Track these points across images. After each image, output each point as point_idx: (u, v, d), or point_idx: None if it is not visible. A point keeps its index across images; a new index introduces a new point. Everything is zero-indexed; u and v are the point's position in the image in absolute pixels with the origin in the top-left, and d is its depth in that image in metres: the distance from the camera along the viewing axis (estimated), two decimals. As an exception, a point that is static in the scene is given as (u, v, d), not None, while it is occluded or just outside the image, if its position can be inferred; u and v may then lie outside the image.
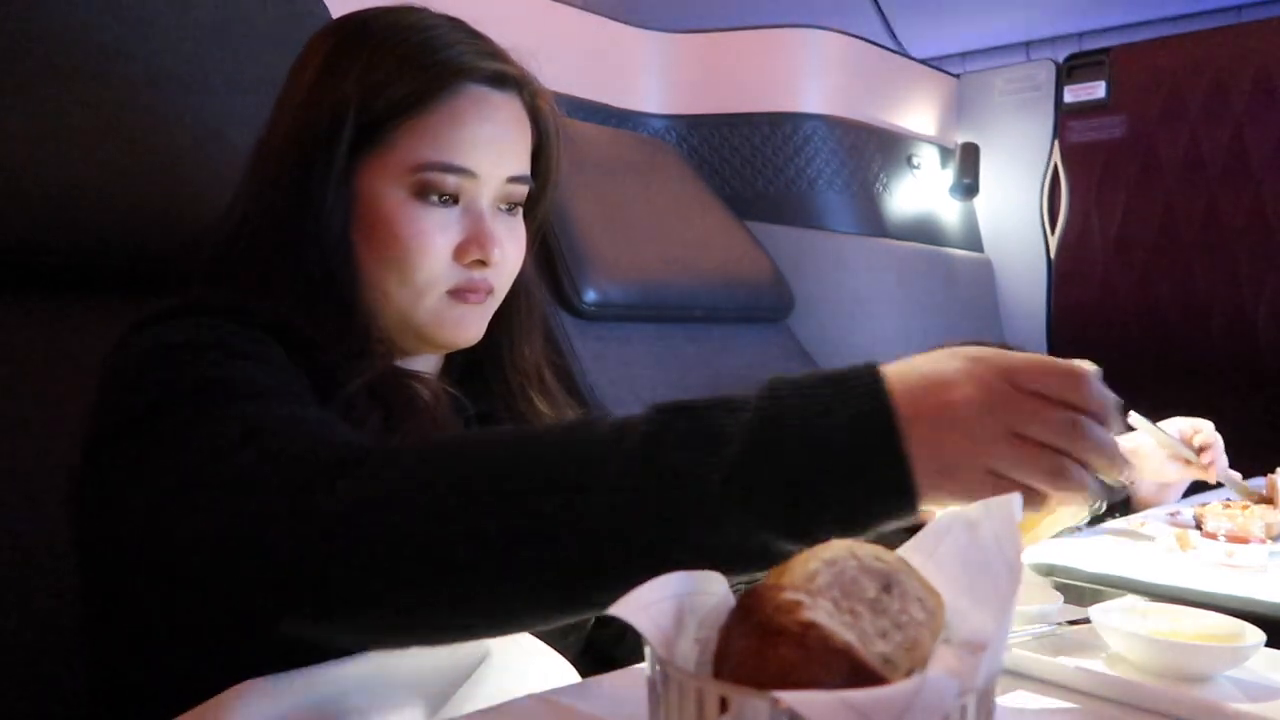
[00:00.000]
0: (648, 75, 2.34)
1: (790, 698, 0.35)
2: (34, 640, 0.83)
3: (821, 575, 0.42)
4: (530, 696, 0.64)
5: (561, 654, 0.78)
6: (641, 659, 0.44)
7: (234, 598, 0.58)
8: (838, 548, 0.45)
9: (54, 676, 0.83)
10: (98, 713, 0.75)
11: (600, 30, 2.21)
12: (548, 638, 0.77)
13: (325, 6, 1.16)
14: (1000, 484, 0.49)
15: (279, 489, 0.56)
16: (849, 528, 0.50)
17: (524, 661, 0.72)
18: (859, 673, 0.39)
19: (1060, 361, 0.52)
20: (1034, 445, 0.50)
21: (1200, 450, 1.32)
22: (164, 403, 0.62)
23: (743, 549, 0.50)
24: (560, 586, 0.53)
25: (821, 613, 0.40)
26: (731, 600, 0.46)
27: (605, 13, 2.22)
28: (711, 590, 0.46)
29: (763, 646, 0.40)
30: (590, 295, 1.76)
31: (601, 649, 0.89)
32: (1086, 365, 0.53)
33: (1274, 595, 0.83)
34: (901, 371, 0.51)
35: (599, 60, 2.20)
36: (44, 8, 0.92)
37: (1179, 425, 1.35)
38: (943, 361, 0.52)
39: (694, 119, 2.38)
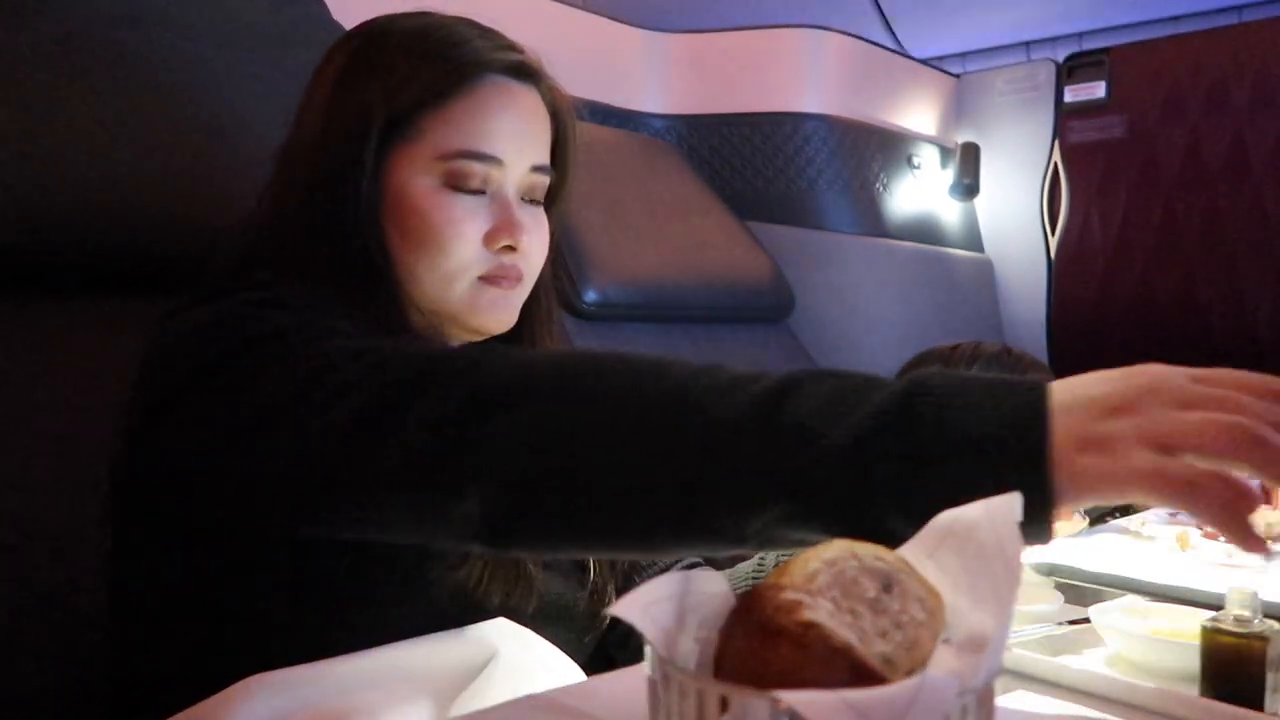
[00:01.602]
0: (648, 75, 2.34)
1: (790, 697, 0.35)
2: (39, 636, 0.83)
3: (822, 575, 0.42)
4: (530, 696, 0.64)
5: (576, 655, 0.79)
6: (641, 662, 0.44)
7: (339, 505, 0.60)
8: (838, 547, 0.45)
9: (64, 669, 0.83)
10: (114, 704, 0.75)
11: (600, 30, 2.21)
12: (564, 639, 0.77)
13: (326, 8, 1.16)
14: (1165, 466, 0.45)
15: (400, 399, 0.58)
16: None
17: (533, 663, 0.73)
18: (859, 672, 0.39)
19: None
20: (1211, 416, 0.45)
21: None
22: (237, 350, 0.65)
23: (853, 517, 0.48)
24: (666, 523, 0.53)
25: (822, 612, 0.40)
26: (732, 600, 0.46)
27: (605, 13, 2.22)
28: (712, 590, 0.46)
29: (763, 646, 0.40)
30: (590, 295, 1.76)
31: (603, 650, 0.89)
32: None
33: (1274, 595, 0.83)
34: (1064, 385, 0.49)
35: (599, 60, 2.20)
36: (51, 11, 0.92)
37: None
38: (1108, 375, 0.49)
39: (694, 119, 2.38)
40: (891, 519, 0.48)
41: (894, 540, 0.46)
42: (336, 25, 1.15)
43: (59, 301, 0.93)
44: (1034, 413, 0.47)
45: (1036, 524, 0.46)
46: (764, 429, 0.50)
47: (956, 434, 0.47)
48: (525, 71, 0.82)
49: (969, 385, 0.49)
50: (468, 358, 0.60)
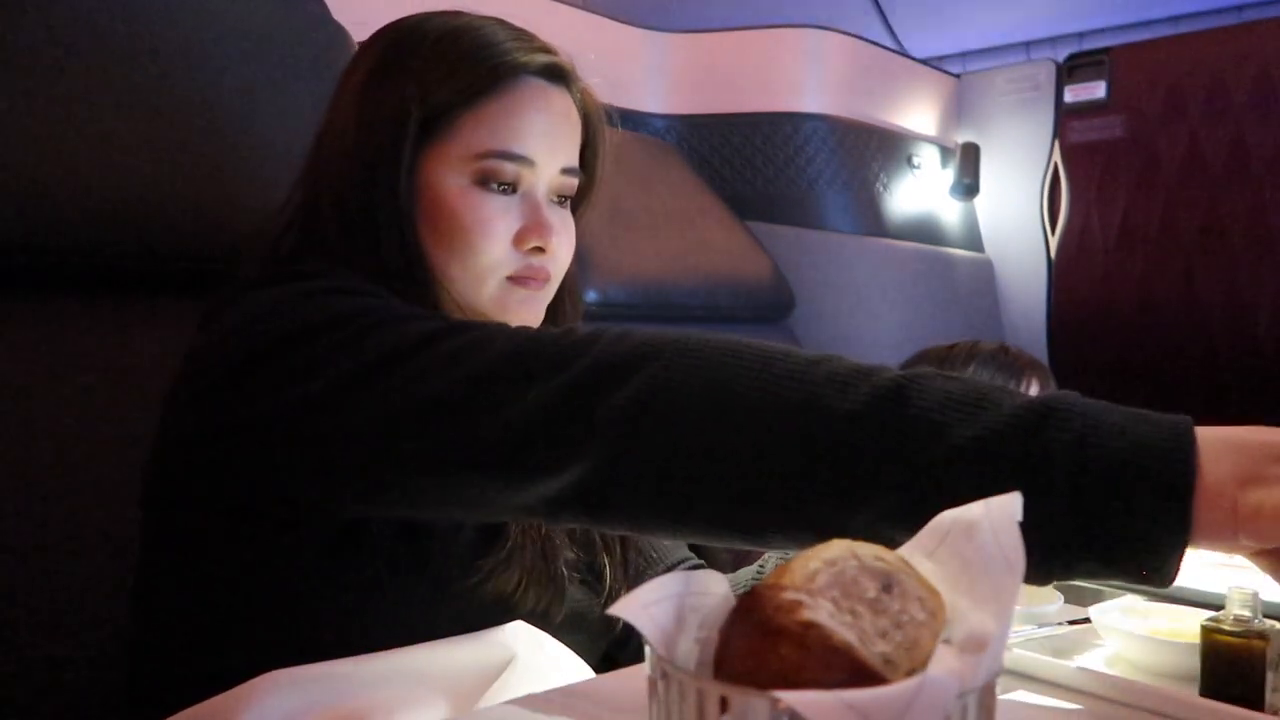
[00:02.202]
0: (648, 75, 2.34)
1: (791, 698, 0.35)
2: (40, 637, 0.83)
3: (822, 575, 0.42)
4: (530, 696, 0.64)
5: (590, 657, 0.79)
6: (641, 662, 0.44)
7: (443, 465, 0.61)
8: (838, 548, 0.45)
9: (72, 670, 0.83)
10: (130, 700, 0.75)
11: (600, 30, 2.21)
12: (579, 645, 0.77)
13: (326, 8, 1.16)
14: None
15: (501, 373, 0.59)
16: (1098, 563, 0.46)
17: (548, 665, 0.73)
18: (859, 672, 0.39)
19: None
20: None
21: None
22: (321, 325, 0.65)
23: None
24: (799, 508, 0.53)
25: (822, 612, 0.40)
26: (732, 600, 0.46)
27: (605, 13, 2.22)
28: (712, 590, 0.46)
29: (763, 646, 0.40)
30: (591, 295, 1.76)
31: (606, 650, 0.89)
32: None
33: (1274, 595, 0.83)
34: (1213, 429, 0.48)
35: (599, 60, 2.20)
36: (51, 10, 0.92)
37: None
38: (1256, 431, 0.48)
39: (694, 119, 2.38)
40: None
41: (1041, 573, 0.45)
42: (337, 25, 1.15)
43: (59, 301, 0.93)
44: (1180, 442, 0.45)
45: (1168, 558, 0.45)
46: (887, 421, 0.50)
47: (1096, 451, 0.45)
48: (558, 73, 0.83)
49: (1113, 408, 0.48)
50: (581, 333, 0.61)
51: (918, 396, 0.50)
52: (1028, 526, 0.42)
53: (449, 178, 0.78)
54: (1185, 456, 0.45)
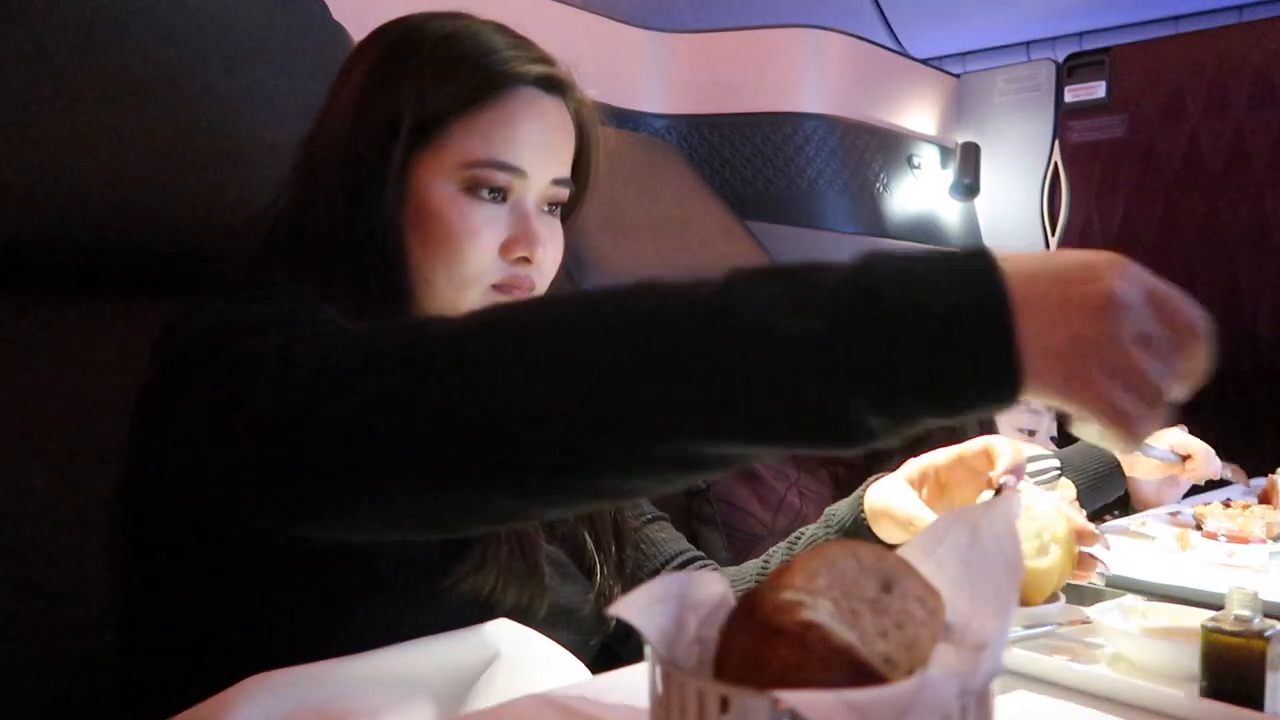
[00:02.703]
0: (648, 75, 2.34)
1: (791, 697, 0.35)
2: (38, 639, 0.83)
3: (822, 575, 0.42)
4: (531, 696, 0.64)
5: (582, 653, 0.79)
6: (641, 659, 0.44)
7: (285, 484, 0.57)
8: (838, 548, 0.45)
9: (65, 672, 0.83)
10: (121, 702, 0.75)
11: (600, 30, 2.21)
12: (571, 642, 0.77)
13: (326, 8, 1.16)
14: (1099, 389, 0.46)
15: (317, 380, 0.56)
16: (940, 405, 0.46)
17: (535, 662, 0.73)
18: (859, 672, 0.39)
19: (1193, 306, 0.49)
20: (1142, 361, 0.46)
21: (1185, 459, 1.32)
22: (217, 340, 0.64)
23: (824, 415, 0.46)
24: (628, 445, 0.49)
25: (822, 612, 0.40)
26: (732, 600, 0.46)
27: (605, 13, 2.22)
28: (712, 590, 0.46)
29: (763, 646, 0.40)
30: (590, 295, 1.76)
31: (607, 645, 0.89)
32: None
33: (1274, 595, 0.83)
34: (1016, 258, 0.47)
35: (599, 60, 2.20)
36: (50, 12, 0.92)
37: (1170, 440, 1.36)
38: (1067, 255, 0.48)
39: (694, 119, 2.38)
40: (860, 409, 0.46)
41: (866, 434, 0.45)
42: (337, 25, 1.15)
43: (58, 302, 0.93)
44: (989, 280, 0.46)
45: (1005, 387, 0.45)
46: (714, 333, 0.47)
47: (918, 313, 0.45)
48: (555, 84, 0.82)
49: (914, 261, 0.47)
50: (406, 325, 0.59)
51: (742, 299, 0.48)
52: (860, 381, 0.44)
53: (438, 184, 0.78)
54: (999, 293, 0.45)
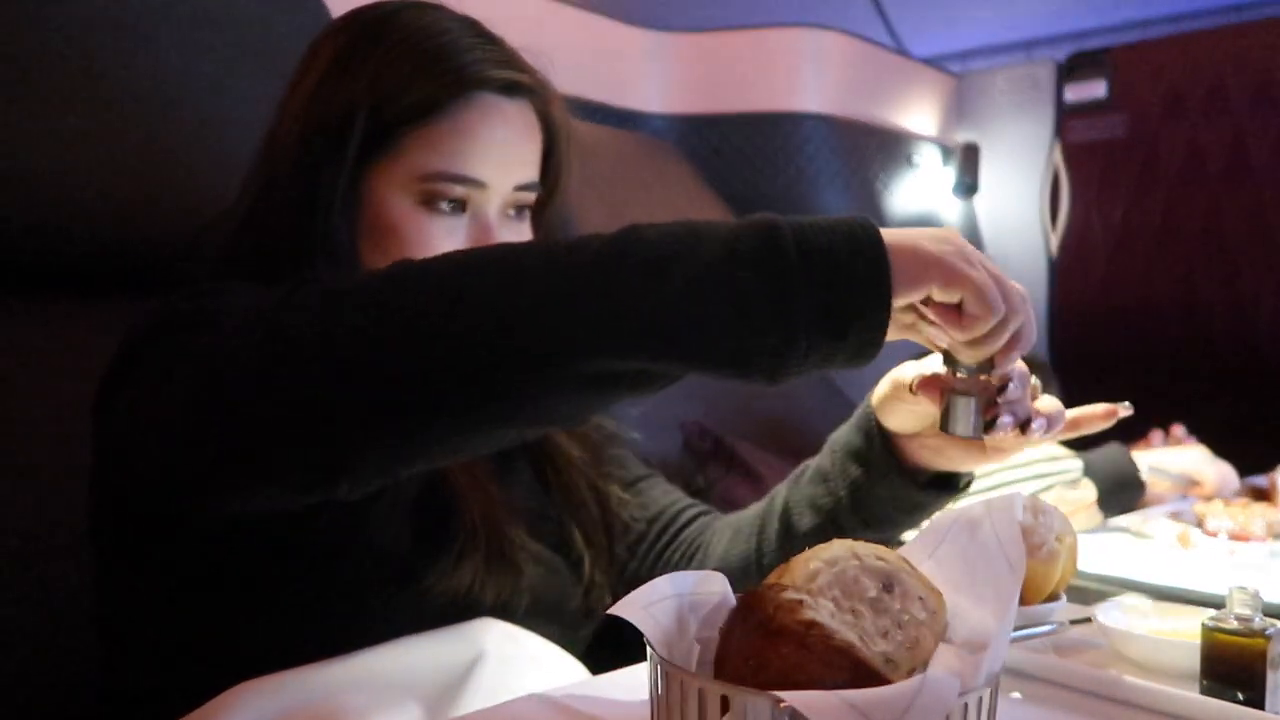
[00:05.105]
0: (648, 75, 2.34)
1: (792, 697, 0.35)
2: (34, 638, 0.83)
3: (822, 575, 0.42)
4: (530, 696, 0.64)
5: (571, 647, 0.78)
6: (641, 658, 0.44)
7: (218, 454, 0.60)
8: (838, 548, 0.45)
9: (58, 672, 0.83)
10: (106, 712, 0.75)
11: (600, 30, 2.21)
12: (557, 635, 0.77)
13: (326, 8, 1.16)
14: (958, 268, 0.55)
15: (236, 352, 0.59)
16: (830, 318, 0.52)
17: (523, 660, 0.72)
18: (860, 672, 0.39)
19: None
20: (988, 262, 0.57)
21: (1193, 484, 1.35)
22: (157, 334, 0.66)
23: (727, 347, 0.52)
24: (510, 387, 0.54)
25: (823, 612, 0.40)
26: (732, 600, 0.46)
27: (605, 12, 2.22)
28: (712, 590, 0.46)
29: (764, 646, 0.40)
30: (590, 295, 1.76)
31: (602, 642, 0.88)
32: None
33: (1275, 594, 0.83)
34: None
35: (599, 60, 2.20)
36: (48, 13, 0.92)
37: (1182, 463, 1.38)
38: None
39: (694, 119, 2.38)
40: (770, 332, 0.51)
41: (779, 361, 0.51)
42: (336, 25, 1.15)
43: (54, 301, 0.93)
44: (867, 224, 0.56)
45: (883, 284, 0.53)
46: (614, 272, 0.53)
47: (812, 246, 0.53)
48: (518, 88, 0.79)
49: (805, 218, 0.56)
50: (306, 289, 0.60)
51: (637, 245, 0.55)
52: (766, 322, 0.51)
53: (394, 196, 0.76)
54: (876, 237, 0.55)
